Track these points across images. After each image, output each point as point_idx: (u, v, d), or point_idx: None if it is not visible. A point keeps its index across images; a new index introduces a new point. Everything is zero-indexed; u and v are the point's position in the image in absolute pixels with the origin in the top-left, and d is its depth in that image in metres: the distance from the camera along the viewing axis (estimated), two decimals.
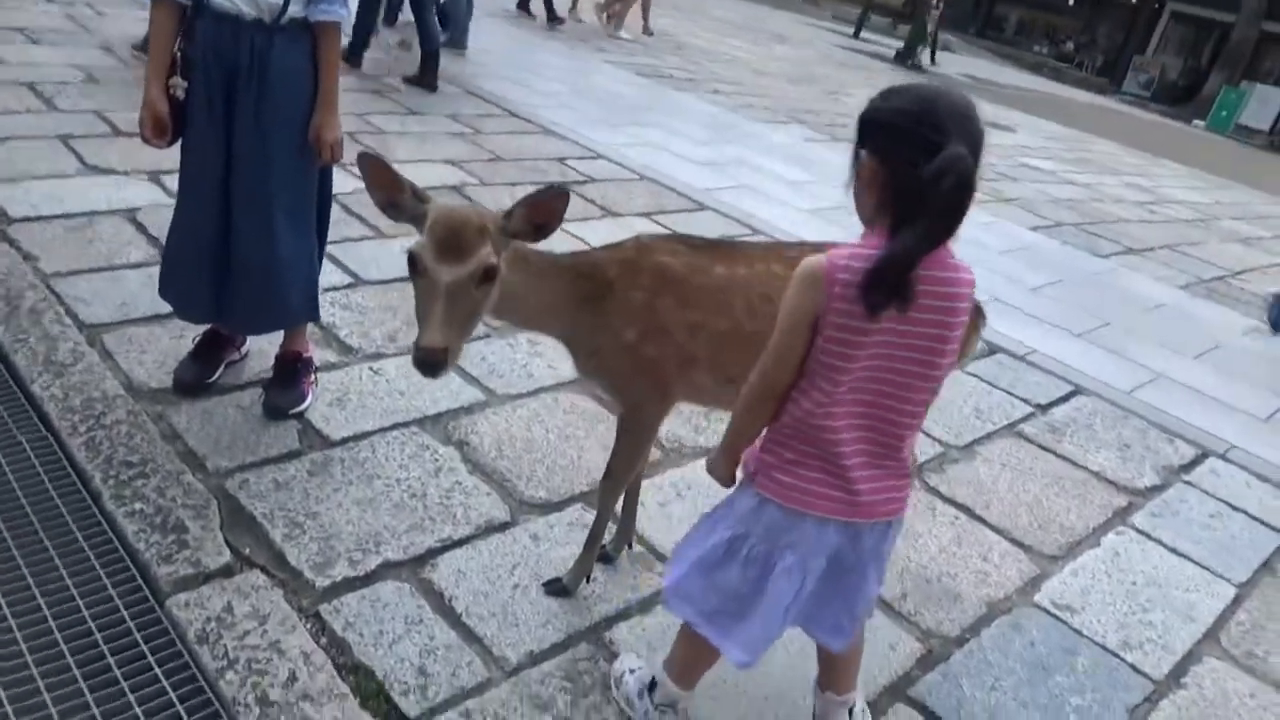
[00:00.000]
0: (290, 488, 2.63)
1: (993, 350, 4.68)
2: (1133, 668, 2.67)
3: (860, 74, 15.30)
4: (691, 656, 2.01)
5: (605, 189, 5.81)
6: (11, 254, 3.47)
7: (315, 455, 2.78)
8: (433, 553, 2.50)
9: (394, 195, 1.91)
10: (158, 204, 4.09)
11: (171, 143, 2.71)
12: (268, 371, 3.06)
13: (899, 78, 10.78)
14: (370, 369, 3.27)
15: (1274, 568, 3.34)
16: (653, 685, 2.07)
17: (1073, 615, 2.83)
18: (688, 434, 3.30)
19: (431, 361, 1.75)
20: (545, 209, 1.89)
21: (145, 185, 4.30)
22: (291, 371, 2.96)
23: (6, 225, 3.66)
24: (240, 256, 2.72)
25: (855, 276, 1.55)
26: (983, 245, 6.61)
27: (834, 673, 2.07)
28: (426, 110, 6.60)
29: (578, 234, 4.96)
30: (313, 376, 3.02)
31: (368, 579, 2.37)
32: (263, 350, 3.18)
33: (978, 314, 2.32)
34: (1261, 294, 6.92)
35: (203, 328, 3.01)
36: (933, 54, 19.33)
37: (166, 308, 3.00)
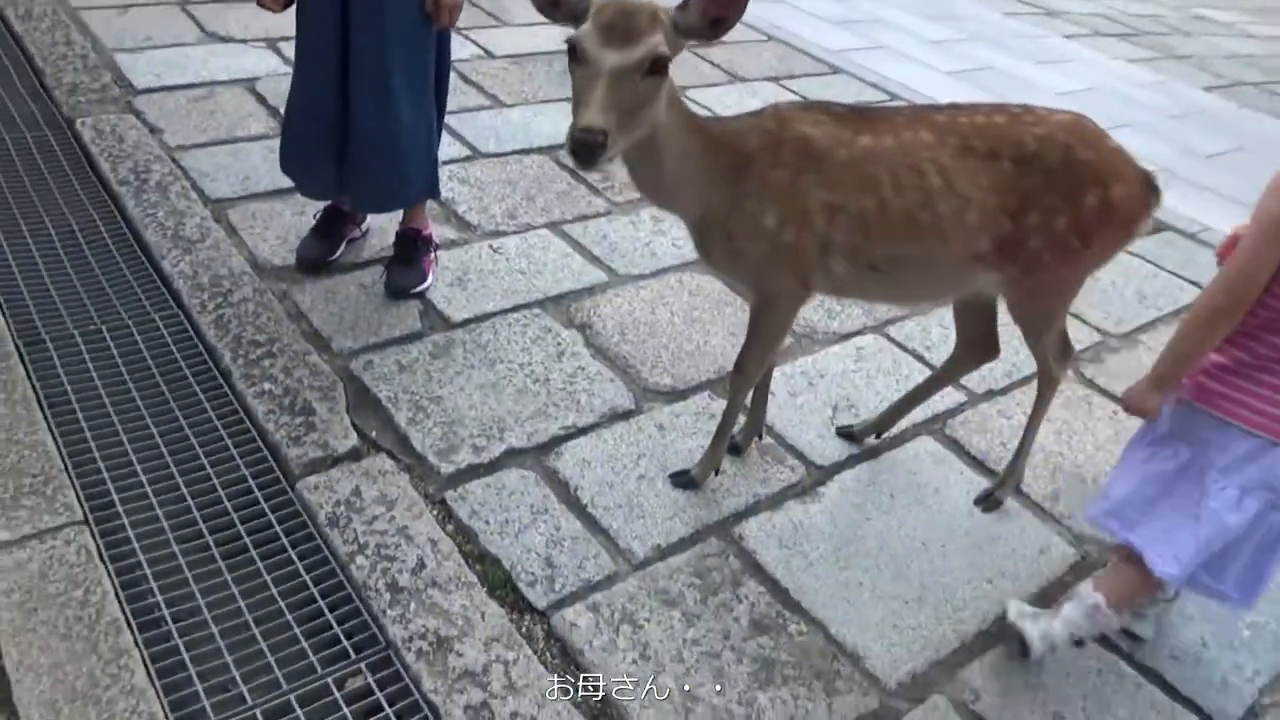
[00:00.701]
0: (414, 370, 2.58)
1: (1161, 227, 4.23)
2: None
3: None
4: (1124, 583, 1.95)
5: (730, 51, 5.43)
6: (139, 127, 3.46)
7: (437, 337, 2.72)
8: (557, 440, 2.43)
9: None
10: (276, 73, 4.01)
11: (286, 6, 2.59)
12: (389, 249, 2.99)
13: None
14: (490, 247, 3.17)
15: None
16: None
17: None
18: (820, 319, 3.10)
19: (589, 143, 1.54)
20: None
21: (264, 53, 4.21)
22: (412, 249, 2.89)
23: (133, 96, 3.65)
24: (359, 127, 2.61)
25: None
26: (1151, 108, 5.96)
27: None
28: None
29: (700, 101, 4.68)
30: (433, 255, 2.94)
31: (492, 466, 2.33)
32: (383, 228, 3.11)
33: (1149, 189, 2.02)
34: None
35: (324, 204, 2.95)
36: None
37: (288, 182, 2.95)
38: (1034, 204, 1.94)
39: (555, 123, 4.00)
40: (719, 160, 1.89)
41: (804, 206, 1.89)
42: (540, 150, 3.84)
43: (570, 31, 1.63)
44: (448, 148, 3.66)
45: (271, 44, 4.29)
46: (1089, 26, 7.80)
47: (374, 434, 2.38)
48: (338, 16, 2.50)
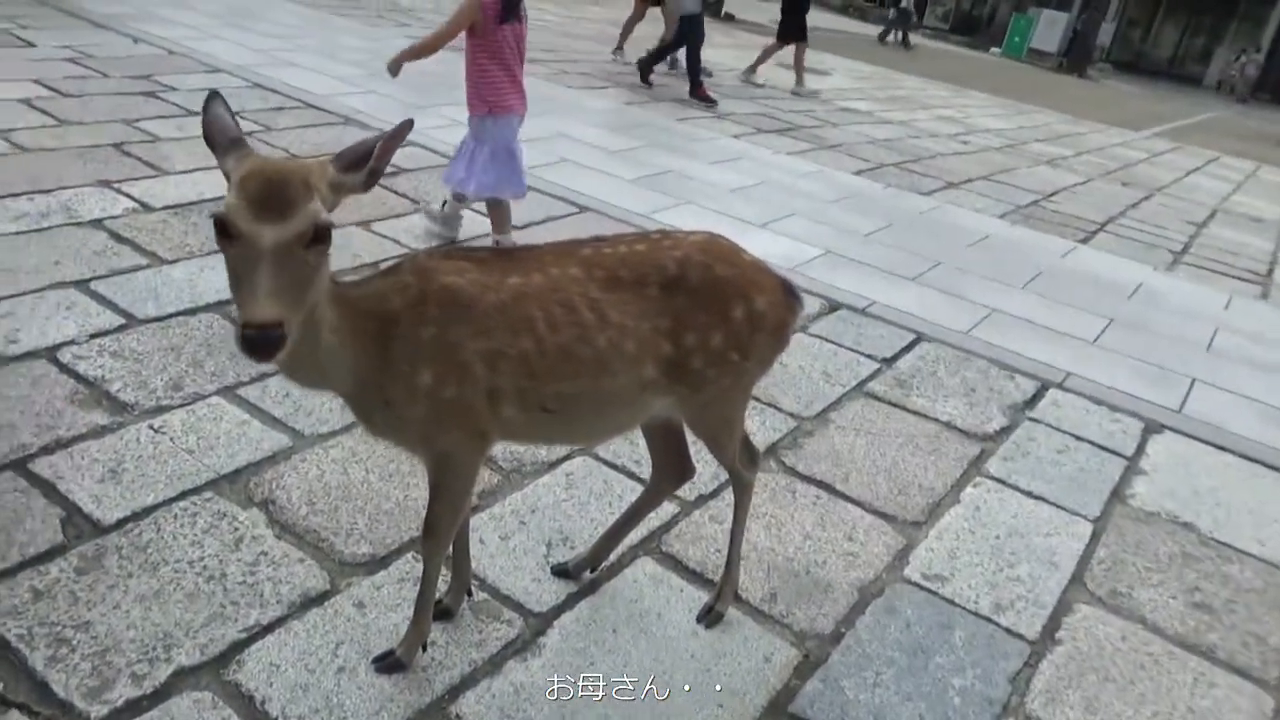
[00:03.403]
0: (53, 595, 2.19)
1: (834, 307, 4.60)
2: (1008, 631, 2.60)
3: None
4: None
5: (418, 180, 5.39)
6: None
7: (84, 547, 2.34)
8: (238, 647, 2.14)
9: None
10: None
11: None
12: (21, 450, 2.58)
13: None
14: (151, 428, 2.82)
15: (1122, 495, 3.38)
16: None
17: (943, 585, 2.74)
18: (526, 451, 3.02)
19: (265, 339, 1.39)
20: (394, 147, 1.58)
21: None
22: None
23: None
24: None
25: None
26: (812, 196, 6.57)
27: None
28: None
29: (385, 233, 4.56)
30: None
31: (158, 696, 1.99)
32: (14, 424, 2.69)
33: (789, 295, 2.15)
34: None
35: None
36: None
37: None
38: (687, 324, 1.98)
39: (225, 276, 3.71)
40: (364, 327, 1.76)
41: (460, 359, 1.81)
42: (209, 307, 3.53)
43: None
44: (97, 318, 3.28)
45: None
46: (752, 125, 8.58)
47: (2, 686, 1.97)
48: None
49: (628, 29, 10.94)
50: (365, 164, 1.56)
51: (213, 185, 4.62)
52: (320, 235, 1.49)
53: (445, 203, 4.64)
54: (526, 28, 4.30)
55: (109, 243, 3.92)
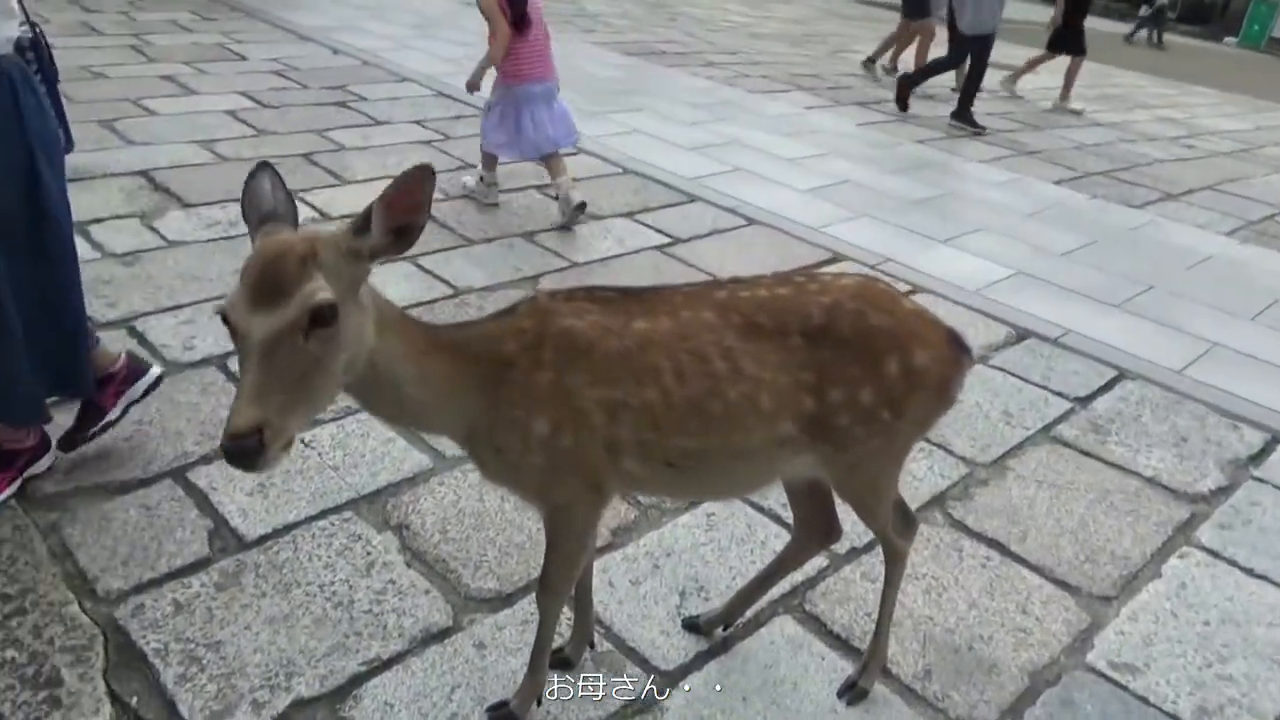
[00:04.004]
0: (192, 610, 2.24)
1: (1022, 335, 4.17)
2: None
3: (867, 27, 14.60)
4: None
5: (585, 188, 5.35)
6: None
7: (226, 562, 2.39)
8: (356, 681, 2.10)
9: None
10: None
11: None
12: (182, 458, 2.68)
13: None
14: (302, 441, 2.87)
15: None
16: None
17: (1135, 677, 2.37)
18: None
19: (240, 450, 1.27)
20: (407, 198, 1.38)
21: None
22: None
23: None
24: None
25: None
26: (1004, 208, 6.06)
27: None
28: None
29: (547, 245, 4.53)
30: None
31: None
32: (180, 431, 2.81)
33: (957, 348, 1.87)
34: None
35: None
36: None
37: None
38: (833, 378, 1.76)
39: (400, 290, 3.79)
40: (470, 374, 1.65)
41: (577, 406, 1.67)
42: None
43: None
44: None
45: None
46: (939, 129, 8.05)
47: (135, 700, 2.01)
48: None
49: (889, 46, 10.04)
50: (368, 227, 1.39)
51: None
52: (320, 318, 1.34)
53: (480, 176, 5.05)
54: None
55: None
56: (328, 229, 1.46)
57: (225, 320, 1.34)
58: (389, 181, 1.37)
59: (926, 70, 8.72)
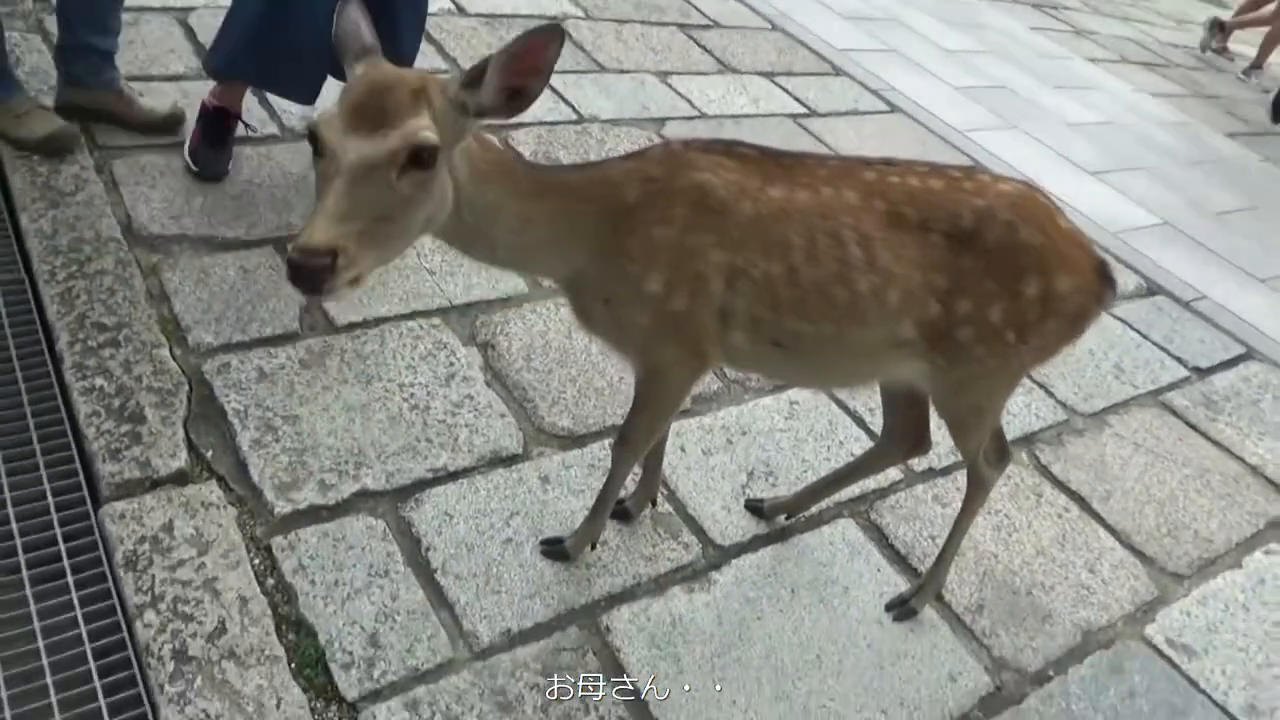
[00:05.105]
0: (275, 379, 2.27)
1: (1153, 290, 3.91)
2: None
3: None
4: None
5: (728, 38, 5.05)
6: (41, 50, 3.10)
7: (313, 341, 2.40)
8: (421, 485, 2.13)
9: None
10: (216, 3, 3.63)
11: None
12: (284, 229, 2.67)
13: None
14: None
15: None
16: None
17: (1190, 659, 2.29)
18: None
19: (310, 268, 1.18)
20: (530, 59, 1.28)
21: None
22: (225, 131, 2.82)
23: (46, 14, 3.28)
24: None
25: None
26: (1167, 151, 5.60)
27: None
28: None
29: (680, 89, 4.31)
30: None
31: (337, 510, 2.02)
32: (288, 201, 2.79)
33: (1103, 280, 1.73)
34: None
35: (210, 111, 2.78)
36: None
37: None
38: (966, 289, 1.63)
39: None
40: (582, 219, 1.56)
41: (697, 269, 1.57)
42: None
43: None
44: None
45: None
46: (1116, 51, 7.40)
47: (209, 454, 2.06)
48: None
49: (1270, 45, 8.20)
50: (480, 81, 1.29)
51: (519, 4, 4.53)
52: (420, 160, 1.25)
53: None
54: None
55: None
56: (443, 77, 1.36)
57: (313, 137, 1.27)
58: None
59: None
